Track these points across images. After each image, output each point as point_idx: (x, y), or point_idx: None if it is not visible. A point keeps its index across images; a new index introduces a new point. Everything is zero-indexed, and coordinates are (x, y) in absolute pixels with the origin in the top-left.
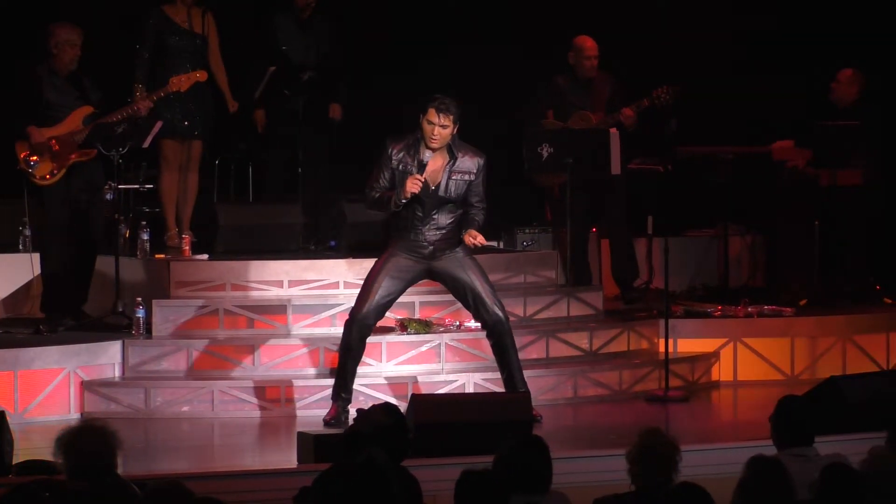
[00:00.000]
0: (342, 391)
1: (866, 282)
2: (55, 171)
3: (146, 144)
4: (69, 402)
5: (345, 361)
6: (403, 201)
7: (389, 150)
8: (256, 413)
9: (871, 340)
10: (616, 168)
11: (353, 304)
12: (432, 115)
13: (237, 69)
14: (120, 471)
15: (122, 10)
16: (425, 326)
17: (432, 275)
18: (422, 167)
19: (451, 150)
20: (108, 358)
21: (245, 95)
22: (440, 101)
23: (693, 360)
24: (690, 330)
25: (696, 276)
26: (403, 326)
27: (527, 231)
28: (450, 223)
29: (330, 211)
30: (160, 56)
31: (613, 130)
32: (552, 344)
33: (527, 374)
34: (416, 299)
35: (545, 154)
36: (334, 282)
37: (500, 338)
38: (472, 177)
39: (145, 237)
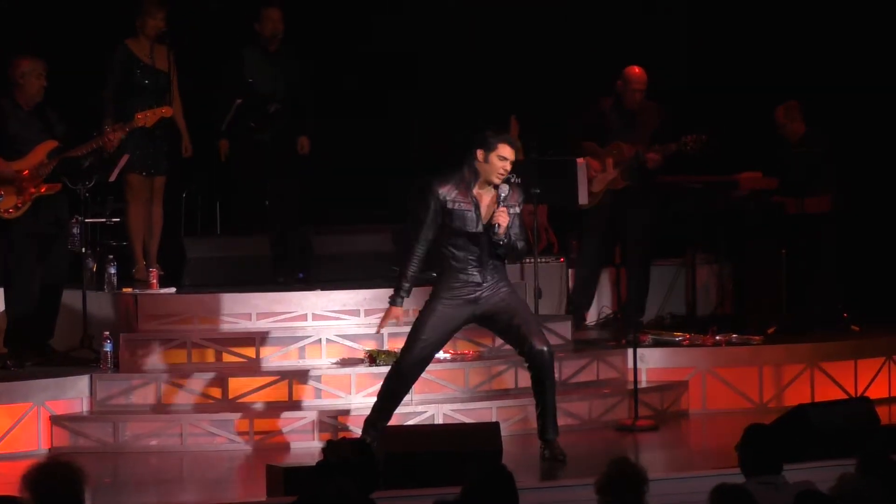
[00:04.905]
0: (372, 429)
1: (834, 309)
2: (20, 205)
3: (112, 178)
4: (37, 437)
5: (385, 405)
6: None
7: (438, 192)
8: (226, 446)
9: (839, 368)
10: (584, 198)
11: (399, 355)
12: (506, 150)
13: (203, 103)
14: None
15: (86, 42)
16: (394, 358)
17: (476, 319)
18: (475, 204)
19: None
20: (76, 392)
21: (211, 128)
22: (507, 136)
23: (662, 388)
24: (659, 359)
25: (665, 304)
26: (372, 358)
27: None
28: (501, 261)
29: (298, 243)
30: (125, 91)
31: (580, 161)
32: (521, 374)
33: (497, 403)
34: (385, 331)
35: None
36: (303, 314)
37: (539, 371)
38: (517, 209)
39: (112, 271)
